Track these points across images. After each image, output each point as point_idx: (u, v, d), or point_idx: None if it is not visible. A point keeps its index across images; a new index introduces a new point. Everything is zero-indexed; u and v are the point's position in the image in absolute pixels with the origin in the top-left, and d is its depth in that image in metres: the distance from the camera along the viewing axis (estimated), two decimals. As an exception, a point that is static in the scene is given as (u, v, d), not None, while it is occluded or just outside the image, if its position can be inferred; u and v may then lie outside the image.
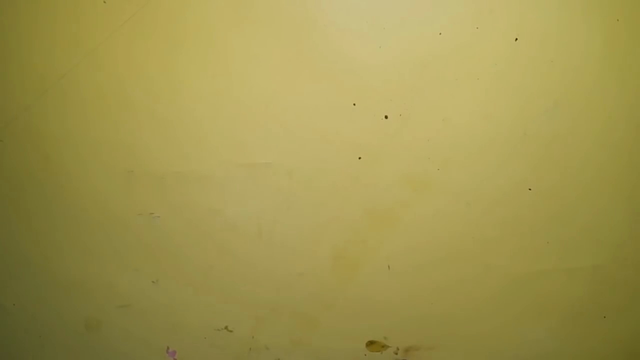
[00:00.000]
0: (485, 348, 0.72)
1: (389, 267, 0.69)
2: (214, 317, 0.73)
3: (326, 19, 0.59)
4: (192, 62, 0.62)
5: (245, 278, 0.70)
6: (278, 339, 0.73)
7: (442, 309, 0.70)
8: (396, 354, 0.73)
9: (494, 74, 0.60)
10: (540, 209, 0.65)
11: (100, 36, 0.61)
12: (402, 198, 0.65)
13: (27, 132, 0.66)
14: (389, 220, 0.67)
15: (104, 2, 0.60)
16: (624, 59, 0.60)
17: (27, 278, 0.73)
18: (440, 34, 0.59)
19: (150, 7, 0.60)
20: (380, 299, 0.70)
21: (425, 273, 0.68)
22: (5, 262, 0.72)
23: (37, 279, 0.73)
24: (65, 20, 0.61)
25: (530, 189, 0.64)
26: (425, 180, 0.64)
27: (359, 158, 0.64)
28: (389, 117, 0.62)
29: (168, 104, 0.63)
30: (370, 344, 0.72)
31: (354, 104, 0.62)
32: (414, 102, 0.61)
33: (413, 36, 0.59)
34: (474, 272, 0.68)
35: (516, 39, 0.59)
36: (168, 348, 0.75)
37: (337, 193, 0.66)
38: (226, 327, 0.73)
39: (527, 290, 0.69)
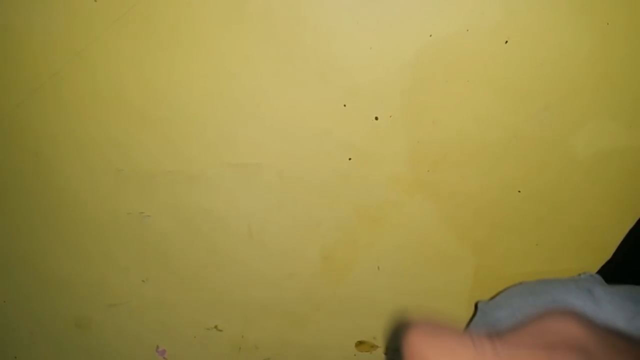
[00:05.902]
0: (474, 348, 0.72)
1: (378, 267, 0.69)
2: (204, 316, 0.73)
3: (317, 19, 0.59)
4: (183, 62, 0.61)
5: (235, 278, 0.70)
6: (268, 339, 0.73)
7: (431, 309, 0.70)
8: (386, 354, 0.73)
9: (484, 76, 0.60)
10: (529, 211, 0.65)
11: (92, 35, 0.61)
12: (392, 199, 0.66)
13: (18, 130, 0.65)
14: (379, 221, 0.67)
15: (95, 0, 0.60)
16: (614, 62, 0.60)
17: (18, 275, 0.73)
18: (430, 35, 0.59)
19: (140, 6, 0.60)
20: (369, 299, 0.70)
21: (414, 274, 0.69)
22: (-5, 259, 0.72)
23: (28, 276, 0.73)
24: (57, 18, 0.61)
25: (519, 191, 0.64)
26: (415, 182, 0.65)
27: (350, 159, 0.64)
28: (379, 118, 0.62)
29: (159, 102, 0.63)
30: (360, 344, 0.73)
31: (345, 105, 0.62)
32: (404, 104, 0.61)
33: (404, 38, 0.59)
34: (464, 273, 0.68)
35: (506, 42, 0.59)
36: (158, 347, 0.75)
37: (328, 193, 0.66)
38: (216, 327, 0.73)
39: (516, 292, 0.69)
